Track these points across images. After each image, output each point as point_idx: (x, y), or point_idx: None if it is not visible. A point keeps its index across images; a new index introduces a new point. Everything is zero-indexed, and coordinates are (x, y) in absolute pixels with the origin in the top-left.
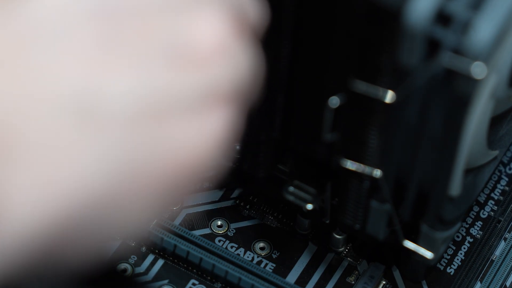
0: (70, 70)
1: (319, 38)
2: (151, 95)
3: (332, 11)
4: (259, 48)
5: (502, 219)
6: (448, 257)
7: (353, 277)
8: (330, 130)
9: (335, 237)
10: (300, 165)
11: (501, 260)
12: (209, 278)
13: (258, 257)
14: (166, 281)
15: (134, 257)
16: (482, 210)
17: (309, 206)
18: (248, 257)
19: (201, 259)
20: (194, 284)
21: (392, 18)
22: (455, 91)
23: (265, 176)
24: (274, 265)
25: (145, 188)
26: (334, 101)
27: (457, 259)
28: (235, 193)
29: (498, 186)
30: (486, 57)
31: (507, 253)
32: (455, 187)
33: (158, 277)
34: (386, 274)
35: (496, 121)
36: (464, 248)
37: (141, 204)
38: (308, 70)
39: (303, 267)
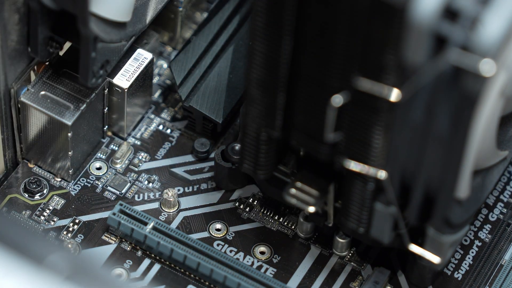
0: None
1: (322, 34)
2: None
3: (335, 6)
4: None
5: None
6: (456, 261)
7: (357, 283)
8: (333, 130)
9: (338, 241)
10: (302, 166)
11: (510, 264)
12: (207, 283)
13: (258, 261)
14: (162, 287)
15: (129, 262)
16: (491, 213)
17: (311, 209)
18: (248, 261)
19: (199, 263)
20: None
21: (397, 14)
22: (463, 89)
23: (266, 177)
24: (275, 270)
25: None
26: (338, 100)
27: (465, 264)
28: (235, 195)
29: (508, 188)
30: (495, 53)
31: None
32: (463, 189)
33: (154, 282)
34: (391, 279)
35: (505, 121)
36: (472, 252)
37: None
38: (310, 68)
39: (305, 272)
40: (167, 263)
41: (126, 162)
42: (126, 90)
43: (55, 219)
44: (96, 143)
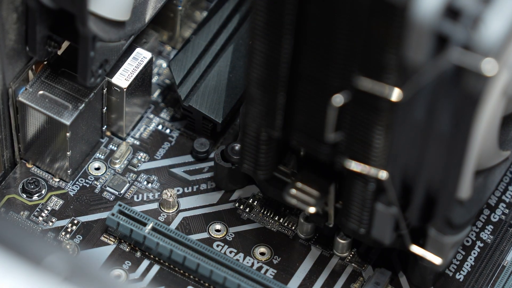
0: None
1: (322, 33)
2: None
3: (336, 5)
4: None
5: None
6: (458, 262)
7: (358, 284)
8: (333, 130)
9: (339, 242)
10: (302, 166)
11: None
12: (207, 284)
13: (258, 262)
14: None
15: (128, 263)
16: (493, 214)
17: (312, 209)
18: (247, 262)
19: (198, 264)
20: None
21: (398, 13)
22: (465, 88)
23: (266, 178)
24: (275, 271)
25: None
26: (338, 99)
27: (467, 265)
28: (234, 195)
29: (510, 188)
30: (497, 53)
31: None
32: (465, 189)
33: (153, 283)
34: (393, 280)
35: (507, 120)
36: (474, 253)
37: None
38: (311, 67)
39: (306, 273)
40: (167, 264)
41: (125, 162)
42: (125, 89)
43: (53, 220)
44: (94, 143)
